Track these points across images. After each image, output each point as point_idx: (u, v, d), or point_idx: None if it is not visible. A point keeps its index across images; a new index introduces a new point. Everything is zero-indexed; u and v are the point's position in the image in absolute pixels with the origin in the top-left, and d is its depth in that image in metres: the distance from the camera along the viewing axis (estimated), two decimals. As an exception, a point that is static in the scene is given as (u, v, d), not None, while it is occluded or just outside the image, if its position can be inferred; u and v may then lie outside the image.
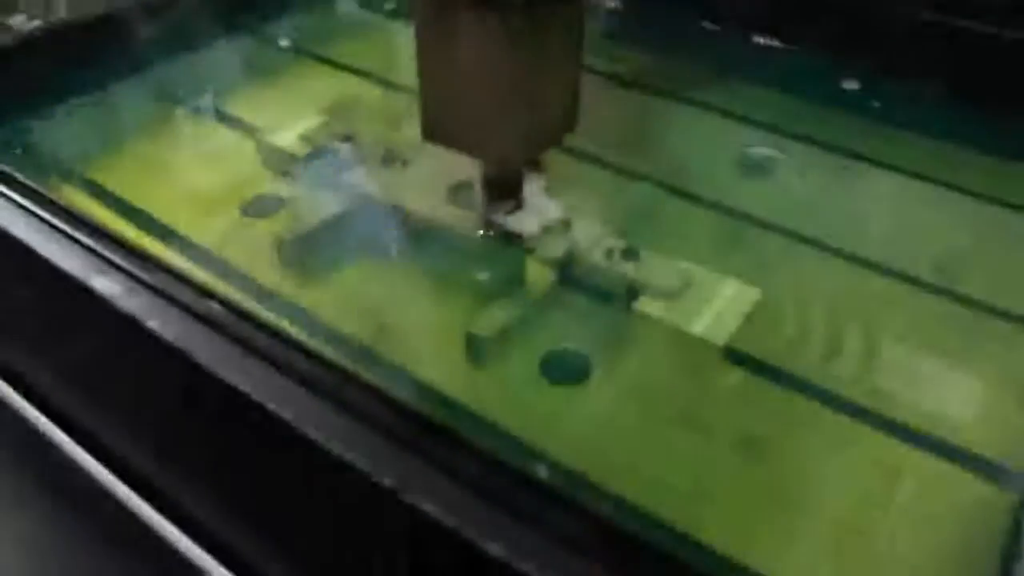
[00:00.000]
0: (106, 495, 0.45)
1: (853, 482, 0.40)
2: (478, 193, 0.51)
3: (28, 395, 0.49)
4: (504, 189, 0.50)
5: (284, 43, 0.75)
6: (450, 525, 0.29)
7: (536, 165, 0.51)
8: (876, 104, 0.66)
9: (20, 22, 1.22)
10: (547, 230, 0.51)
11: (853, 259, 0.52)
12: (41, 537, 0.46)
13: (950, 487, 0.40)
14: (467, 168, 0.52)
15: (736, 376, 0.45)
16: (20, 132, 0.63)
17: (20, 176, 0.45)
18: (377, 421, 0.33)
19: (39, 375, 0.50)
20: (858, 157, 0.61)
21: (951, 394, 0.45)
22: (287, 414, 0.33)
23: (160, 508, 0.43)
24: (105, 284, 0.39)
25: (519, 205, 0.51)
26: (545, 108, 0.46)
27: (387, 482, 0.30)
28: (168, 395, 0.40)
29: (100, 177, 0.59)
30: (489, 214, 0.51)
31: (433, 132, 0.48)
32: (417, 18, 0.44)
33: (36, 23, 1.16)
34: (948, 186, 0.59)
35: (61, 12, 1.28)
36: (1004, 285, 0.51)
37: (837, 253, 0.53)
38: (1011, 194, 0.57)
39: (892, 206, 0.58)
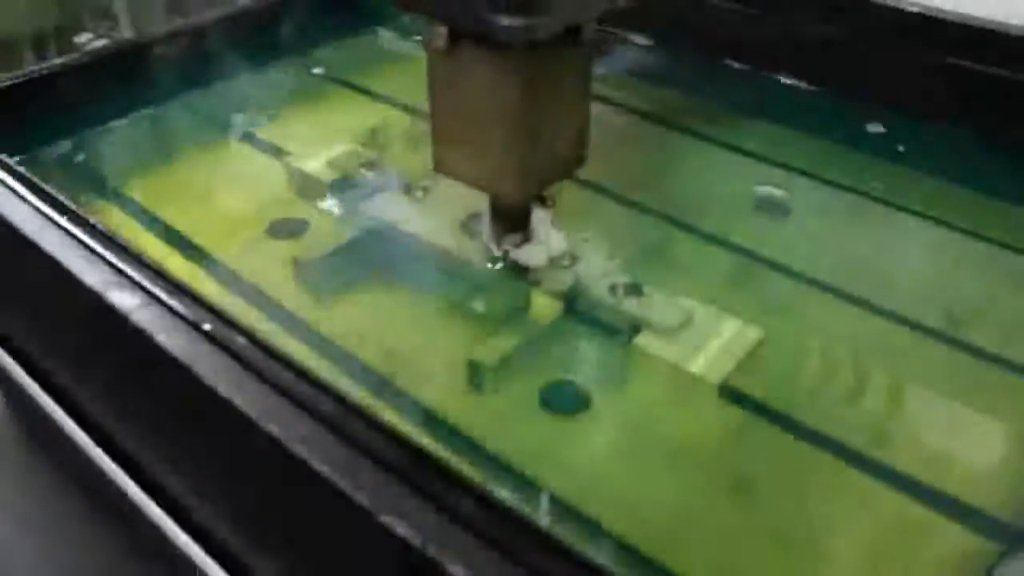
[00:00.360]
0: (111, 484, 0.47)
1: (839, 525, 0.41)
2: (487, 225, 0.52)
3: (50, 390, 0.52)
4: (512, 222, 0.52)
5: (323, 71, 0.78)
6: (417, 545, 0.30)
7: (546, 199, 0.52)
8: (900, 148, 0.66)
9: (86, 40, 1.28)
10: (554, 263, 0.52)
11: (861, 303, 0.52)
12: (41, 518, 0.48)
13: (941, 537, 0.40)
14: (483, 200, 0.53)
15: (729, 415, 0.45)
16: (75, 147, 0.66)
17: (54, 192, 0.48)
18: (360, 439, 0.34)
19: (64, 375, 0.53)
20: (876, 200, 0.61)
21: (948, 443, 0.45)
22: (276, 430, 0.34)
23: (163, 505, 0.46)
24: (121, 298, 0.41)
25: (527, 237, 0.52)
26: (551, 145, 0.48)
27: (363, 501, 0.31)
28: (172, 404, 0.42)
29: (137, 194, 0.62)
30: (498, 245, 0.52)
31: (443, 164, 0.50)
32: (429, 54, 0.46)
33: (101, 42, 1.21)
34: (967, 232, 0.58)
35: (126, 32, 1.33)
36: (1014, 335, 0.50)
37: (845, 296, 0.53)
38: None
39: (906, 250, 0.58)
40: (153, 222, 0.59)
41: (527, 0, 0.39)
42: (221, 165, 0.66)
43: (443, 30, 0.44)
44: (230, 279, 0.54)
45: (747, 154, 0.66)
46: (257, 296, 0.53)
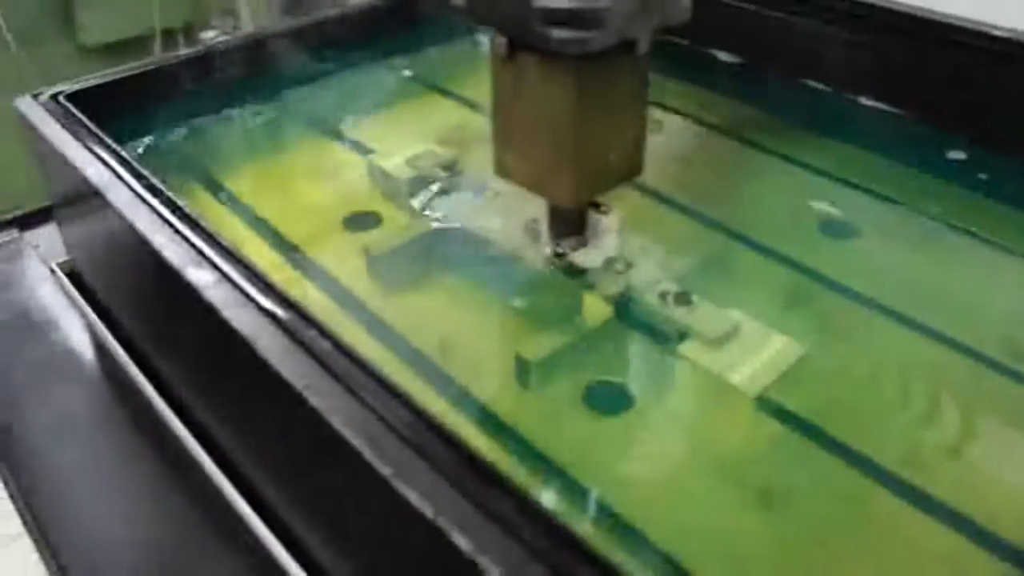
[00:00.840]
0: (184, 448, 0.52)
1: (862, 546, 0.41)
2: (545, 227, 0.54)
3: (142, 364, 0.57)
4: (569, 225, 0.54)
5: (416, 74, 0.81)
6: (428, 515, 0.32)
7: (601, 204, 0.54)
8: (980, 176, 0.64)
9: (210, 37, 1.36)
10: (609, 267, 0.54)
11: (919, 328, 0.52)
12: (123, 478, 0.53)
13: (970, 568, 0.40)
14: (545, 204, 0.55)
15: (764, 427, 0.46)
16: (181, 136, 0.71)
17: (149, 175, 0.52)
18: (404, 427, 0.36)
19: (149, 345, 0.58)
20: (947, 225, 0.60)
21: (987, 473, 0.44)
22: (321, 405, 0.37)
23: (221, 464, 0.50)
24: (198, 275, 0.45)
25: (584, 241, 0.54)
26: (604, 153, 0.49)
27: (384, 470, 0.34)
28: (236, 375, 0.46)
29: (229, 182, 0.67)
30: (556, 248, 0.54)
31: (502, 168, 0.52)
32: (492, 63, 0.49)
33: (223, 38, 1.29)
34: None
35: (249, 28, 1.41)
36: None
37: (903, 320, 0.52)
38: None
39: (973, 278, 0.57)
40: (241, 209, 0.63)
41: (579, 15, 0.41)
42: (309, 159, 0.70)
43: (504, 39, 0.46)
44: (304, 265, 0.58)
45: (819, 172, 0.66)
46: (327, 283, 0.56)
